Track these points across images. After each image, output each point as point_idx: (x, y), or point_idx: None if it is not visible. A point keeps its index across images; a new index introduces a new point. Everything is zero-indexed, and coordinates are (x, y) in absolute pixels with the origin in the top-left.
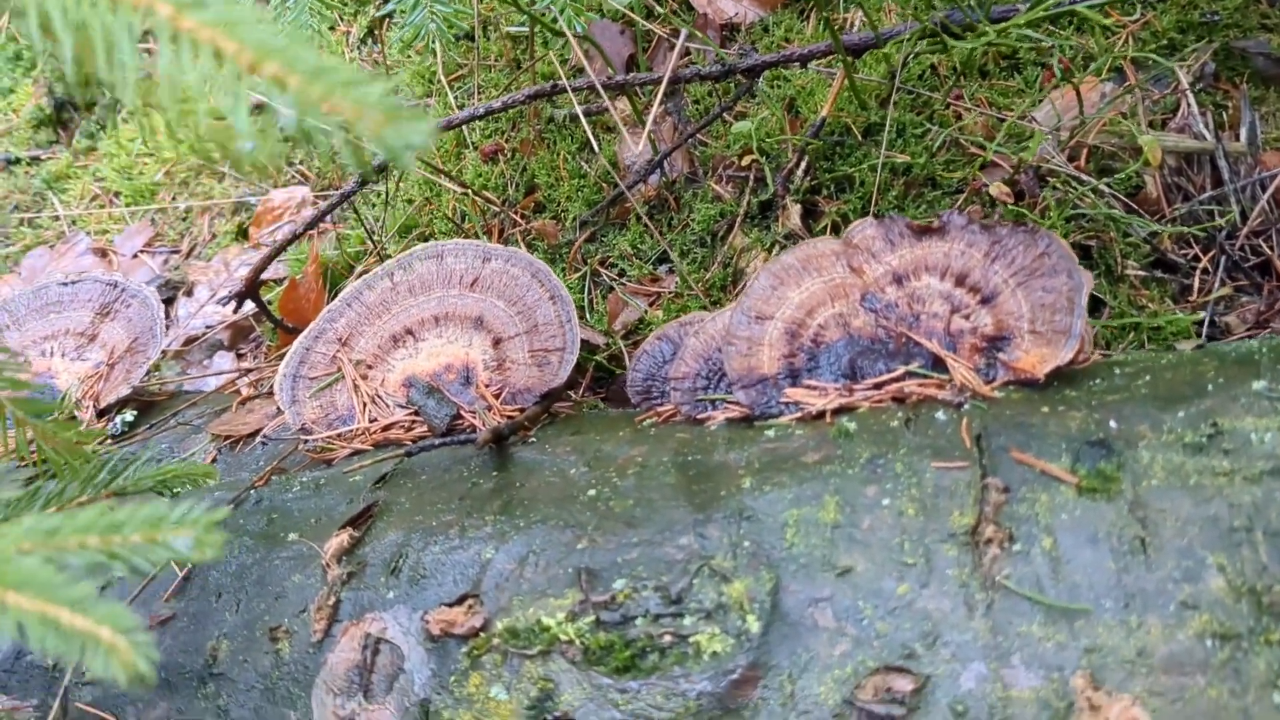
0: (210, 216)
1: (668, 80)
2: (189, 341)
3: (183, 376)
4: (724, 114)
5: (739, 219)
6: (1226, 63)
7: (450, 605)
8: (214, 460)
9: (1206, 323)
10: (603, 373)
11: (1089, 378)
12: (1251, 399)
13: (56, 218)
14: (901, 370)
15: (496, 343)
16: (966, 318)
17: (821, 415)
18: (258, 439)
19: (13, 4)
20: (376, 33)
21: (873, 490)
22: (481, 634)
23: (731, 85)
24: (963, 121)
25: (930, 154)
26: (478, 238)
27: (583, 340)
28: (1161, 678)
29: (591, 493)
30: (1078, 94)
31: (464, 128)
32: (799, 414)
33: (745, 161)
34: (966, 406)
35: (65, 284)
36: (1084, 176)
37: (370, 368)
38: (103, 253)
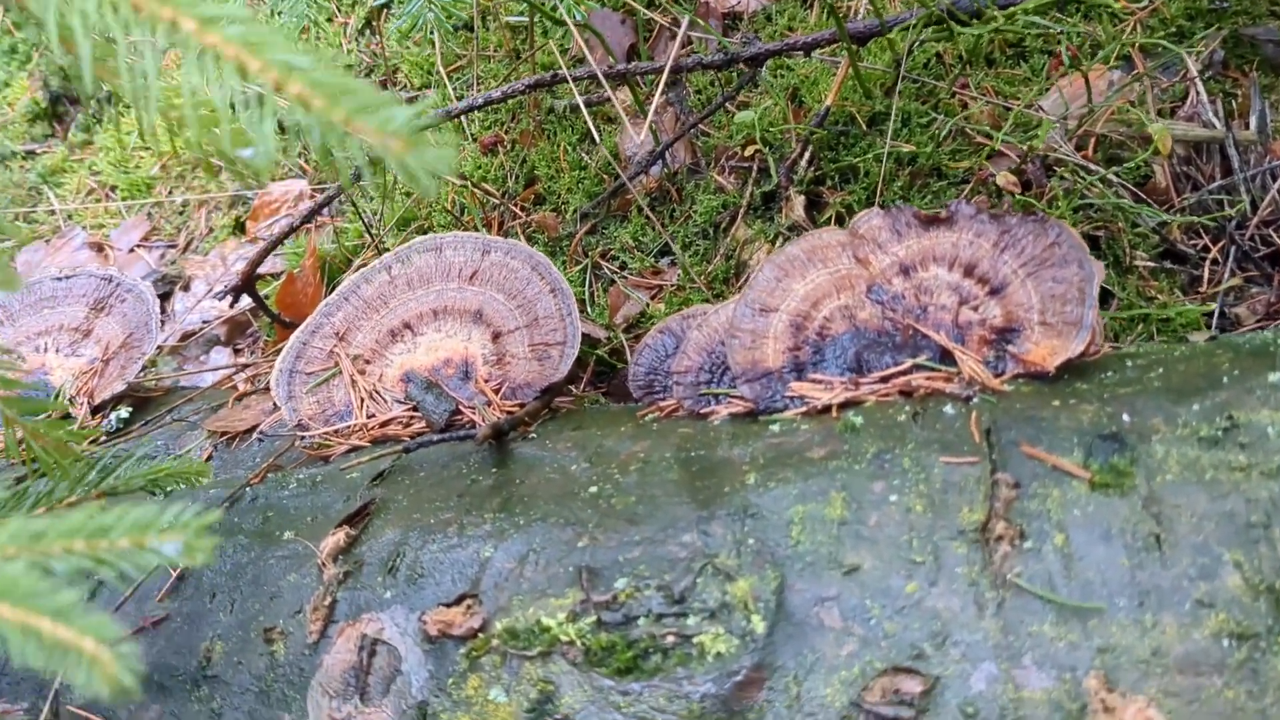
0: (207, 210)
1: (669, 69)
2: (186, 337)
3: (179, 372)
4: (726, 104)
5: (742, 210)
6: (1236, 50)
7: (448, 605)
8: (210, 457)
9: (1217, 314)
10: (604, 367)
11: (1100, 370)
12: (1267, 391)
13: (52, 212)
14: (909, 363)
15: (496, 337)
16: (975, 309)
17: (827, 409)
18: (254, 435)
19: (29, 10)
20: (375, 23)
21: (880, 486)
22: (480, 635)
23: (734, 75)
24: (969, 110)
25: (936, 143)
26: (477, 230)
27: (584, 334)
28: (1177, 678)
29: (593, 489)
30: (1086, 82)
31: (463, 119)
32: (804, 408)
33: (748, 152)
34: (975, 400)
35: (59, 279)
36: (1092, 166)
37: (368, 363)
38: (99, 247)
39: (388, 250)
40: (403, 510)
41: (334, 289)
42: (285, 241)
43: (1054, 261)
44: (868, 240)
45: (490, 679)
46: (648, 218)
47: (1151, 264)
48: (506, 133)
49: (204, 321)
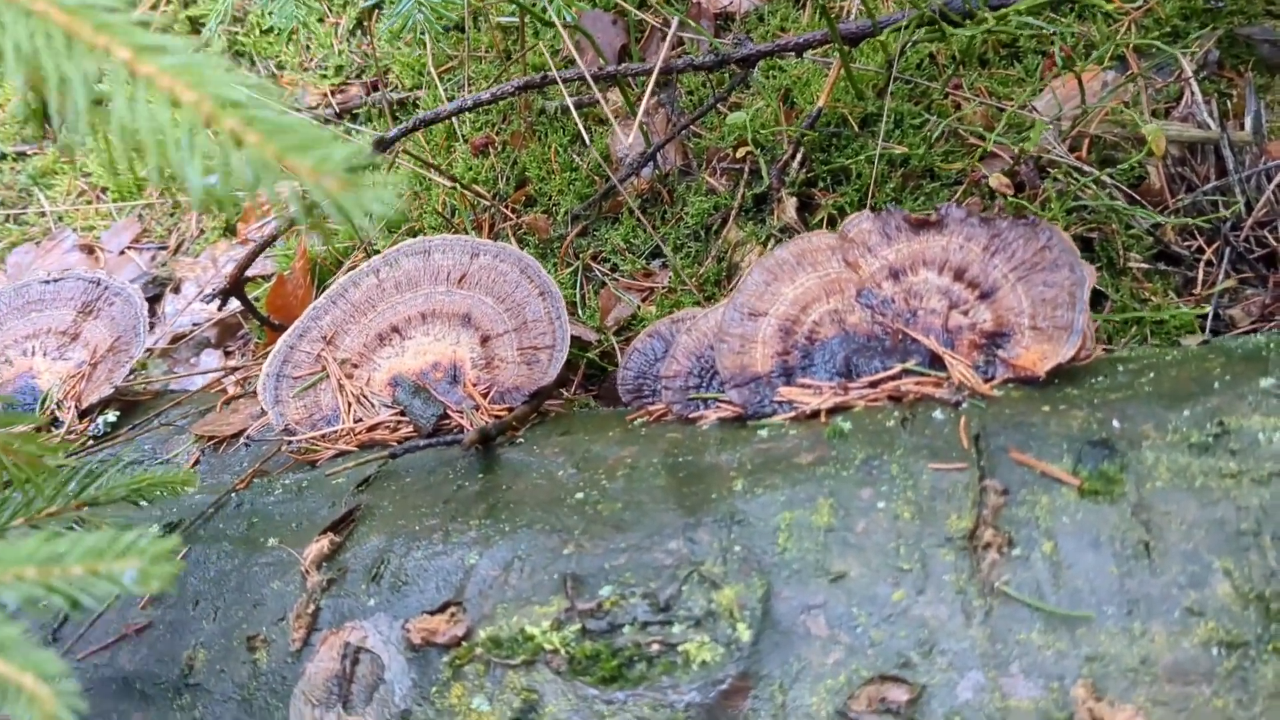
0: (198, 212)
1: (660, 70)
2: (176, 339)
3: (169, 375)
4: (718, 105)
5: (733, 212)
6: (1231, 50)
7: (432, 613)
8: (197, 462)
9: (1211, 316)
10: (595, 370)
11: (1091, 375)
12: (1259, 397)
13: (43, 214)
14: (898, 368)
15: (485, 340)
16: (965, 313)
17: (816, 415)
18: (241, 440)
19: None
20: (365, 24)
21: (868, 493)
22: (464, 643)
23: (726, 76)
24: (961, 111)
25: (929, 145)
26: (468, 232)
27: (574, 337)
28: (1166, 687)
29: (579, 495)
30: (1079, 82)
31: (454, 121)
32: (793, 413)
33: (740, 154)
34: (965, 405)
35: (47, 282)
36: (1086, 167)
37: (355, 366)
38: (89, 249)
39: (378, 253)
40: (388, 516)
41: (323, 291)
42: (276, 243)
43: (1045, 265)
44: (857, 244)
45: (474, 688)
46: (639, 219)
47: (1145, 266)
48: (497, 134)
49: (194, 324)
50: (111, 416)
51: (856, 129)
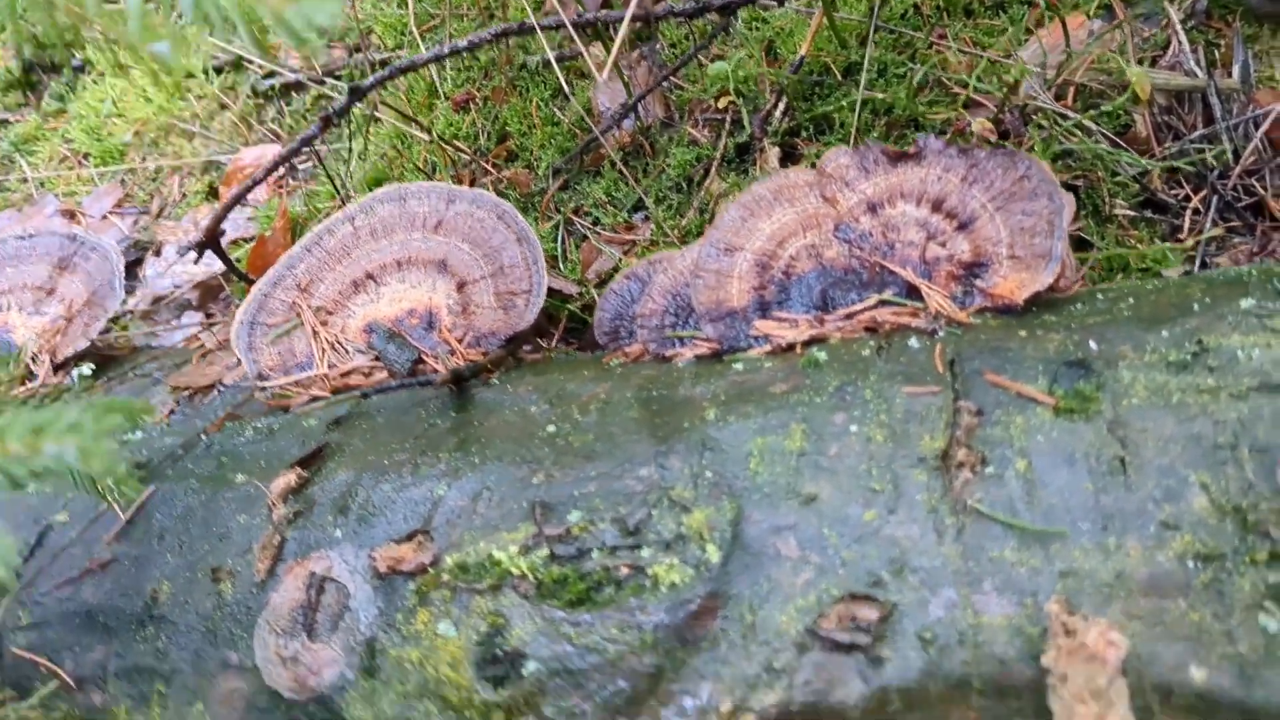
0: (180, 176)
1: (638, 15)
2: (157, 301)
3: (148, 333)
4: (699, 55)
5: (716, 163)
6: None
7: (399, 542)
8: (172, 412)
9: (1198, 264)
10: (576, 322)
11: (1070, 303)
12: (1239, 317)
13: (25, 180)
14: (874, 299)
15: (461, 286)
16: (943, 245)
17: (791, 347)
18: (216, 389)
19: None
20: None
21: (841, 417)
22: (430, 570)
23: (707, 27)
24: (945, 56)
25: (912, 93)
26: None
27: (555, 289)
28: (1140, 601)
29: (551, 429)
30: (1064, 28)
31: (436, 79)
32: (769, 347)
33: (722, 104)
34: (941, 333)
35: (23, 238)
36: (1070, 113)
37: (330, 314)
38: (71, 214)
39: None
40: (358, 453)
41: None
42: (256, 198)
43: (1023, 195)
44: (835, 178)
45: (440, 613)
46: (621, 172)
47: (1131, 213)
48: (478, 90)
49: (175, 286)
50: (86, 370)
51: (840, 77)
